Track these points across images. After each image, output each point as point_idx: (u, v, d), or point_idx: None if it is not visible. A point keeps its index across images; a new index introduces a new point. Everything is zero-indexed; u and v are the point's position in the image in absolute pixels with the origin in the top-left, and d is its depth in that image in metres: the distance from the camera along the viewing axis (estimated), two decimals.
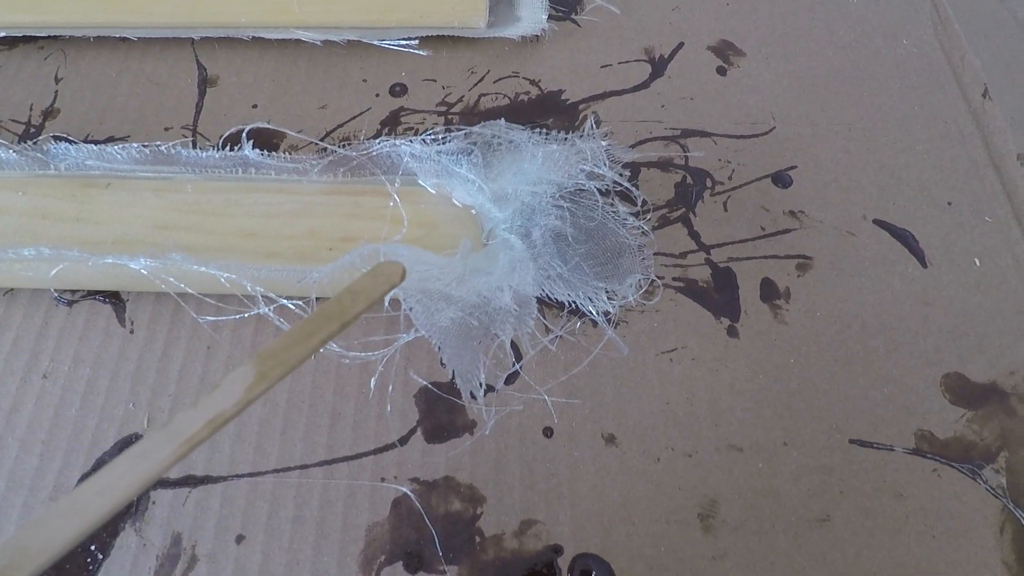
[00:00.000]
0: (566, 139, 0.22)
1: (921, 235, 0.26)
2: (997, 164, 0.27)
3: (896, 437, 0.22)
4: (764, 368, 0.23)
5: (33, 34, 0.32)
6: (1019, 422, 0.22)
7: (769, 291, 0.25)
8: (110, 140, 0.29)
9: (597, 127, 0.28)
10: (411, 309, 0.19)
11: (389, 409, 0.22)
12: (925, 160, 0.27)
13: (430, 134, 0.22)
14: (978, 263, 0.25)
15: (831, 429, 0.22)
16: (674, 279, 0.25)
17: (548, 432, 0.22)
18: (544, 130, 0.23)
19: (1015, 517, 0.20)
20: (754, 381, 0.23)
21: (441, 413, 0.23)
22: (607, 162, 0.22)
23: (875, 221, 0.26)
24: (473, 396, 0.20)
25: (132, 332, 0.25)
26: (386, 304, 0.20)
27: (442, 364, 0.23)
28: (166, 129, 0.30)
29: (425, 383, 0.23)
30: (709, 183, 0.27)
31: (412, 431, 0.23)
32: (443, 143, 0.22)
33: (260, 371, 0.16)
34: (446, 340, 0.19)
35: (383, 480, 0.22)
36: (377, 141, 0.23)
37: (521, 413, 0.22)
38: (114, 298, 0.25)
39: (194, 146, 0.29)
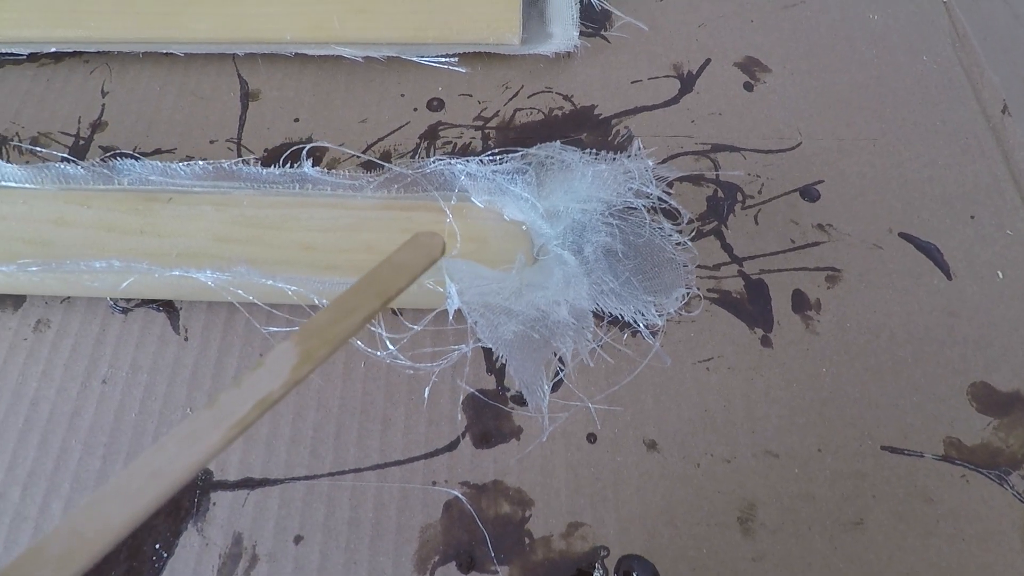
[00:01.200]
0: (614, 159, 0.23)
1: (945, 248, 0.27)
2: (1017, 179, 0.28)
3: (926, 444, 0.23)
4: (797, 377, 0.24)
5: (81, 50, 0.33)
6: None
7: (800, 302, 0.26)
8: (157, 152, 0.30)
9: (630, 142, 0.29)
10: (476, 323, 0.20)
11: (459, 417, 0.23)
12: (948, 175, 0.28)
13: (488, 155, 0.23)
14: (1001, 276, 0.26)
15: (863, 436, 0.23)
16: (709, 291, 0.26)
17: (592, 438, 0.23)
18: (593, 151, 0.24)
19: None
20: (788, 389, 0.24)
21: (488, 419, 0.24)
22: (653, 181, 0.23)
23: (901, 234, 0.27)
24: (539, 406, 0.21)
25: (186, 339, 0.26)
26: (450, 317, 0.21)
27: (489, 372, 0.24)
28: (211, 142, 0.31)
29: (472, 390, 0.24)
30: (740, 197, 0.28)
31: (461, 436, 0.24)
32: (500, 163, 0.23)
33: (304, 350, 0.15)
34: (511, 353, 0.20)
35: (434, 484, 0.23)
36: (431, 159, 0.24)
37: (566, 420, 0.23)
38: (167, 306, 0.26)
39: (239, 156, 0.30)
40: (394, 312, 0.25)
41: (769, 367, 0.24)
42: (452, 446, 0.23)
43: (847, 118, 0.30)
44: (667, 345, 0.25)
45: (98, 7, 0.33)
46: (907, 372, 0.24)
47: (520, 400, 0.23)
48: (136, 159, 0.25)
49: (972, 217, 0.27)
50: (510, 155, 0.23)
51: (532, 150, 0.23)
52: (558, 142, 0.24)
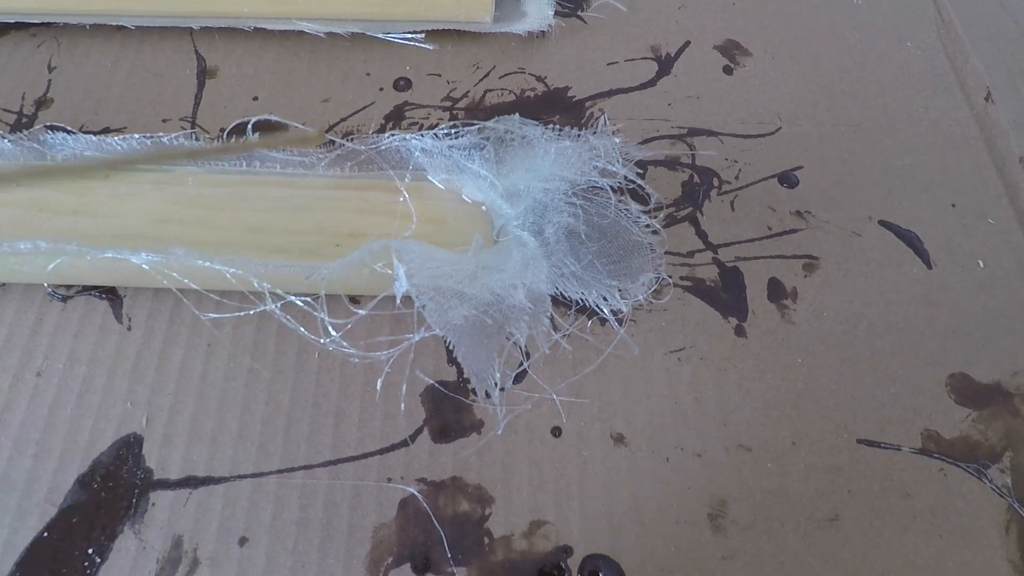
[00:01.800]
0: (579, 135, 0.22)
1: (926, 236, 0.26)
2: (999, 167, 0.27)
3: (903, 437, 0.22)
4: (772, 368, 0.23)
5: (25, 20, 0.31)
6: (1023, 422, 0.22)
7: (776, 291, 0.25)
8: (106, 131, 0.29)
9: (604, 124, 0.28)
10: (424, 307, 0.19)
11: (403, 408, 0.21)
12: (929, 162, 0.28)
13: (443, 129, 0.22)
14: (982, 265, 0.25)
15: (839, 429, 0.22)
16: (682, 278, 0.25)
17: (556, 432, 0.22)
18: (556, 127, 0.22)
19: (1020, 517, 0.20)
20: (762, 381, 0.23)
21: (448, 412, 0.22)
22: (620, 159, 0.22)
23: (880, 222, 0.26)
24: (488, 395, 0.20)
25: (130, 329, 0.24)
26: (398, 301, 0.20)
27: (450, 363, 0.22)
28: (164, 121, 0.29)
29: (431, 382, 0.23)
30: (716, 182, 0.27)
31: (419, 431, 0.22)
32: (455, 138, 0.21)
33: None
34: (460, 339, 0.19)
35: (389, 480, 0.22)
36: (387, 135, 0.23)
37: (529, 412, 0.22)
38: (111, 294, 0.25)
39: (194, 139, 0.28)
40: (352, 300, 0.23)
41: (743, 358, 0.23)
42: (409, 441, 0.22)
43: (828, 103, 0.29)
44: (637, 335, 0.23)
45: None
46: (885, 363, 0.23)
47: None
48: (69, 133, 0.24)
49: (953, 205, 0.26)
50: (467, 128, 0.22)
51: (490, 123, 0.22)
52: (516, 115, 0.22)
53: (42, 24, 0.31)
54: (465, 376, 0.22)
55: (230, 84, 0.30)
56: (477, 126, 0.22)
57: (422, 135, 0.22)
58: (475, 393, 0.22)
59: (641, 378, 0.23)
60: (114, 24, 0.30)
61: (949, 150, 0.28)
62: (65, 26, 0.31)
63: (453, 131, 0.22)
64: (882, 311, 0.24)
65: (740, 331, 0.24)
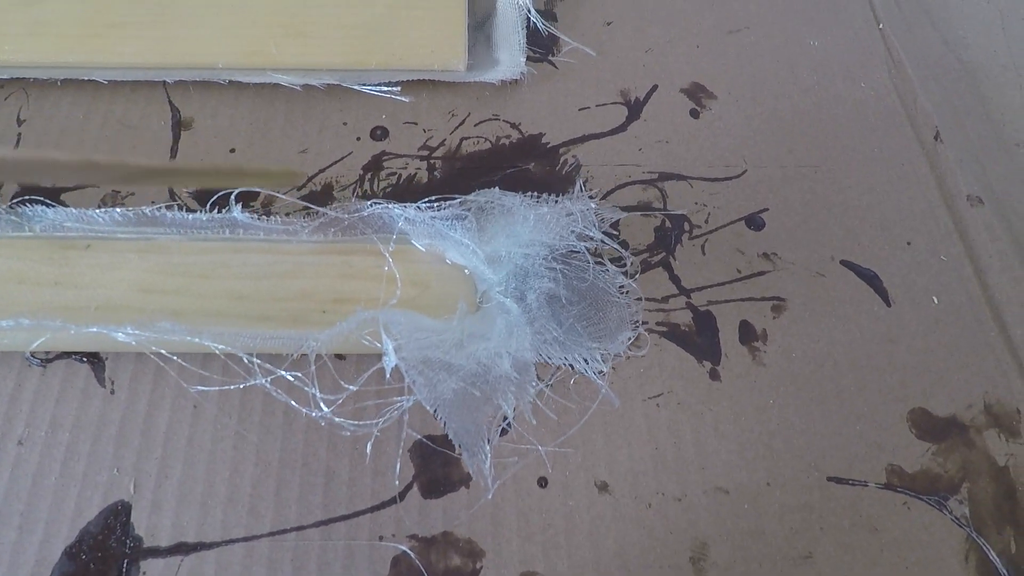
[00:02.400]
0: (556, 201, 0.23)
1: (884, 275, 0.27)
2: (949, 204, 0.29)
3: (869, 472, 0.23)
4: (745, 410, 0.24)
5: None
6: (978, 453, 0.23)
7: (747, 333, 0.26)
8: (79, 187, 0.28)
9: (577, 172, 0.29)
10: (414, 382, 0.19)
11: (395, 467, 0.22)
12: (886, 201, 0.29)
13: (424, 202, 0.23)
14: (936, 301, 0.27)
15: (809, 467, 0.23)
16: (658, 324, 0.26)
17: (543, 482, 0.23)
18: (535, 194, 0.23)
19: (978, 546, 0.22)
20: (737, 423, 0.24)
21: (437, 467, 0.23)
22: (596, 223, 0.23)
23: (842, 262, 0.28)
24: (480, 469, 0.21)
25: (113, 392, 0.24)
26: (387, 376, 0.20)
27: (448, 438, 0.23)
28: None
29: (419, 436, 0.23)
30: (687, 227, 0.28)
31: (408, 487, 0.23)
32: (438, 209, 0.22)
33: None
34: (450, 414, 0.20)
35: (381, 539, 0.22)
36: (369, 203, 0.23)
37: (516, 464, 0.23)
38: (92, 357, 0.25)
39: (170, 192, 0.28)
40: (339, 357, 0.24)
41: (718, 401, 0.24)
42: (399, 497, 0.23)
43: (789, 145, 0.31)
44: (616, 382, 0.24)
45: (9, 28, 0.30)
46: (850, 401, 0.24)
47: None
48: (50, 206, 0.24)
49: (908, 243, 0.28)
50: (448, 202, 0.23)
51: (471, 197, 0.23)
52: (497, 188, 0.23)
53: (9, 78, 0.31)
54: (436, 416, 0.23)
55: (206, 136, 0.30)
56: (459, 199, 0.22)
57: (404, 207, 0.23)
58: (446, 430, 0.23)
59: (622, 425, 0.24)
60: (85, 78, 0.30)
61: (903, 189, 0.30)
62: (35, 80, 0.31)
63: (435, 204, 0.22)
64: (846, 350, 0.25)
65: (714, 375, 0.25)
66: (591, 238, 0.23)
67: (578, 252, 0.23)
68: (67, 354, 0.25)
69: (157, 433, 0.24)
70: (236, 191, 0.23)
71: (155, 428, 0.24)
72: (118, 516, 0.23)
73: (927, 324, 0.26)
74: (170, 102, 0.31)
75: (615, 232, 0.26)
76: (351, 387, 0.21)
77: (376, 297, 0.22)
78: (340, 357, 0.24)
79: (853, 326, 0.26)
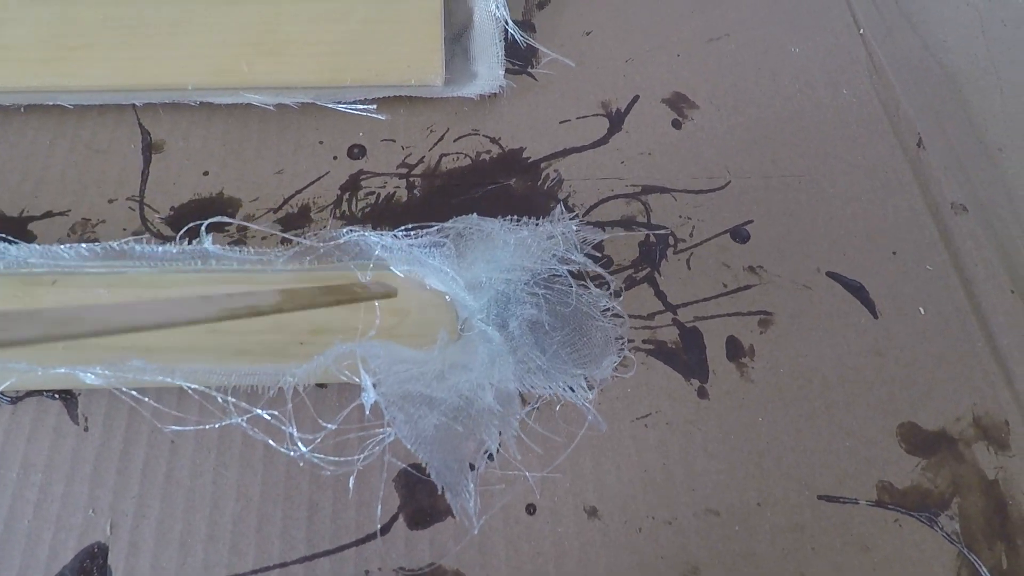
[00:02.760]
0: (537, 225, 0.22)
1: (871, 286, 0.27)
2: (934, 213, 0.29)
3: (859, 490, 0.23)
4: (734, 428, 0.24)
5: None
6: (967, 467, 0.23)
7: (735, 349, 0.25)
8: (48, 215, 0.28)
9: (559, 187, 0.29)
10: (394, 419, 0.19)
11: (391, 496, 0.21)
12: (870, 210, 0.29)
13: (401, 230, 0.22)
14: (923, 312, 0.26)
15: (800, 486, 0.23)
16: (644, 342, 0.25)
17: (531, 509, 0.22)
18: (515, 217, 0.23)
19: (969, 562, 0.22)
20: (726, 442, 0.24)
21: (422, 497, 0.23)
22: (578, 245, 0.23)
23: (828, 273, 0.27)
24: (463, 509, 0.20)
25: (87, 429, 0.23)
26: (367, 412, 0.20)
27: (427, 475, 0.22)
28: (110, 201, 0.28)
29: (403, 466, 0.23)
30: (671, 241, 0.28)
31: (394, 518, 0.22)
32: (415, 237, 0.21)
33: (286, 297, 0.17)
34: (432, 452, 0.19)
35: (368, 573, 0.21)
36: (345, 231, 0.23)
37: (503, 492, 0.22)
38: (65, 393, 0.24)
39: (143, 219, 0.28)
40: (319, 385, 0.23)
41: (706, 420, 0.24)
42: (385, 529, 0.22)
43: (772, 154, 0.30)
44: (603, 403, 0.24)
45: None
46: (839, 416, 0.24)
47: None
48: (12, 243, 0.23)
49: (894, 253, 0.28)
50: (425, 230, 0.22)
51: (448, 224, 0.22)
52: (475, 214, 0.23)
53: None
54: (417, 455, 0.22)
55: (178, 159, 0.29)
56: (436, 227, 0.22)
57: (381, 235, 0.22)
58: (426, 472, 0.22)
59: (610, 448, 0.23)
60: (49, 103, 0.29)
61: (887, 197, 0.29)
62: None
63: (412, 232, 0.22)
64: (834, 364, 0.25)
65: (703, 392, 0.25)
66: (573, 261, 0.22)
67: (560, 276, 0.23)
68: (37, 391, 0.24)
69: (134, 471, 0.23)
70: (206, 223, 0.22)
71: (131, 466, 0.23)
72: (95, 559, 0.22)
73: (914, 336, 0.26)
74: (140, 125, 0.30)
75: (598, 254, 0.26)
76: (329, 425, 0.21)
77: (355, 327, 0.21)
78: (320, 385, 0.24)
79: (840, 339, 0.26)
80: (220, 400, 0.19)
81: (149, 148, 0.30)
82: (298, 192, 0.28)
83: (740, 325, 0.26)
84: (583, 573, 0.22)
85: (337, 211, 0.28)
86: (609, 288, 0.24)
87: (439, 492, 0.21)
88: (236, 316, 0.15)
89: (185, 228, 0.23)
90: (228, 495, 0.23)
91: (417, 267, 0.22)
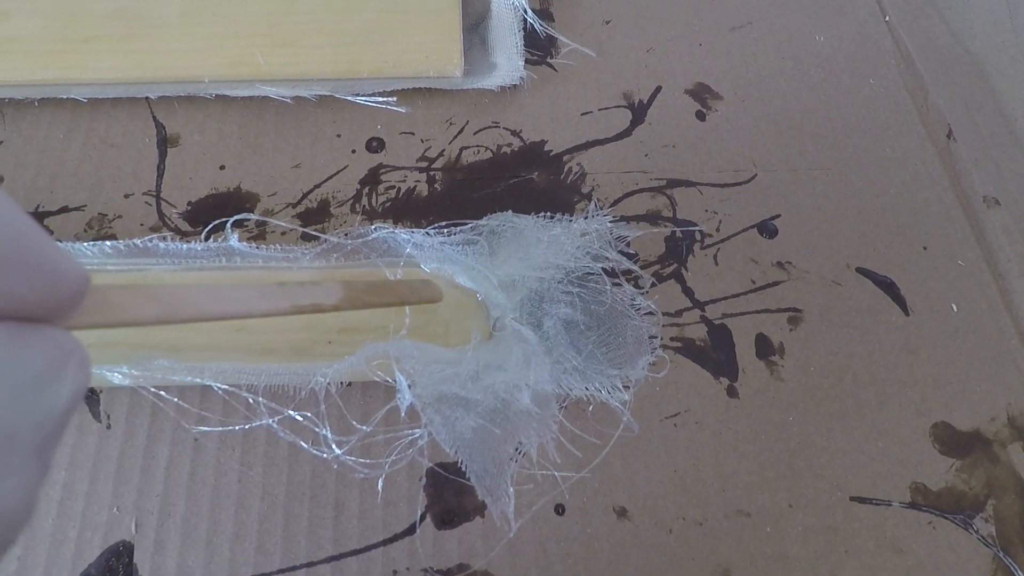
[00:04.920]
0: (571, 221, 0.22)
1: (901, 282, 0.27)
2: (965, 207, 0.28)
3: (893, 491, 0.23)
4: (765, 428, 0.24)
5: None
6: (1003, 468, 0.23)
7: (764, 347, 0.25)
8: (64, 210, 0.27)
9: (583, 180, 0.28)
10: (431, 421, 0.19)
11: (418, 496, 0.21)
12: (899, 204, 0.28)
13: (434, 228, 0.22)
14: (955, 308, 0.26)
15: (832, 488, 0.23)
16: (672, 339, 0.25)
17: (560, 510, 0.22)
18: (548, 214, 0.22)
19: (1005, 566, 0.21)
20: (756, 442, 0.23)
21: (450, 496, 0.22)
22: (611, 242, 0.22)
23: (858, 269, 0.27)
24: (503, 514, 0.20)
25: (109, 427, 0.23)
26: (403, 414, 0.20)
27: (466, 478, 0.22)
28: (126, 196, 0.28)
29: (431, 465, 0.23)
30: (698, 236, 0.27)
31: (421, 517, 0.22)
32: (448, 235, 0.21)
33: (346, 296, 0.17)
34: (471, 455, 0.19)
35: (395, 573, 0.21)
36: (373, 228, 0.22)
37: (532, 492, 0.22)
38: (88, 390, 0.24)
39: (160, 214, 0.27)
40: (353, 385, 0.23)
41: (736, 419, 0.24)
42: (412, 529, 0.22)
43: (799, 147, 0.30)
44: (632, 402, 0.24)
45: None
46: (871, 416, 0.24)
47: None
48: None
49: (925, 248, 0.27)
50: (459, 227, 0.22)
51: (483, 221, 0.22)
52: (510, 211, 0.22)
53: None
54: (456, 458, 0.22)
55: (194, 152, 0.29)
56: (470, 224, 0.21)
57: (412, 231, 0.22)
58: (466, 476, 0.22)
59: (640, 447, 0.23)
60: (63, 96, 0.29)
61: (917, 191, 0.29)
62: (10, 100, 0.29)
63: (444, 229, 0.21)
64: (865, 362, 0.25)
65: (732, 391, 0.24)
66: (606, 258, 0.22)
67: (594, 274, 0.22)
68: None
69: (157, 469, 0.23)
70: (232, 219, 0.21)
71: (155, 464, 0.23)
72: (120, 557, 0.22)
73: (947, 333, 0.25)
74: (154, 118, 0.30)
75: (632, 252, 0.26)
76: (364, 427, 0.20)
77: (384, 325, 0.21)
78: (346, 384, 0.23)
79: (872, 337, 0.25)
80: (251, 400, 0.19)
81: (164, 142, 0.29)
82: (317, 186, 0.28)
83: (769, 322, 0.26)
84: (613, 574, 0.21)
85: (357, 206, 0.27)
86: (645, 287, 0.24)
87: (469, 485, 0.21)
88: (302, 312, 0.15)
89: (212, 224, 0.23)
90: (253, 494, 0.22)
91: (448, 265, 0.21)
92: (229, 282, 0.22)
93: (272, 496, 0.22)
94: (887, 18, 0.34)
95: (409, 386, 0.18)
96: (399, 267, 0.22)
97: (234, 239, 0.21)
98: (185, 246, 0.21)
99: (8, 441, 0.09)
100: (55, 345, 0.10)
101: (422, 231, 0.22)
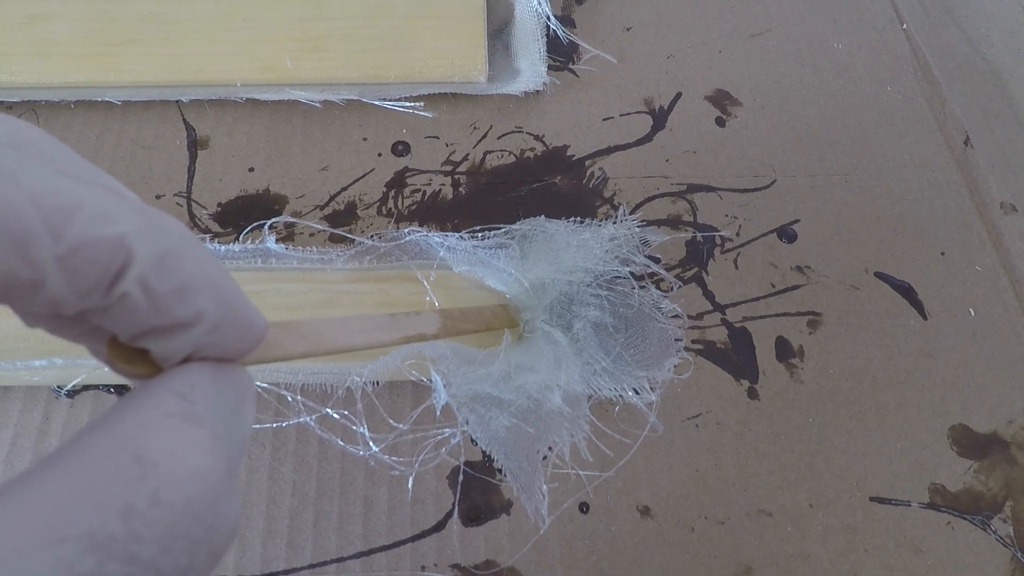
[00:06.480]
0: (600, 225, 0.22)
1: (919, 286, 0.27)
2: (982, 212, 0.29)
3: (912, 492, 0.23)
4: (785, 429, 0.24)
5: (2, 99, 0.30)
6: (1020, 470, 0.23)
7: (784, 350, 0.25)
8: None
9: (605, 184, 0.29)
10: (466, 420, 0.19)
11: (446, 493, 0.21)
12: (917, 210, 0.29)
13: (467, 232, 0.22)
14: (972, 313, 0.26)
15: (852, 488, 0.23)
16: (693, 342, 0.25)
17: (584, 508, 0.23)
18: (578, 219, 0.23)
19: (1023, 565, 0.22)
20: (777, 443, 0.24)
21: (476, 494, 0.23)
22: (639, 247, 0.23)
23: (876, 274, 0.27)
24: (539, 510, 0.20)
25: None
26: (438, 413, 0.20)
27: (474, 442, 0.23)
28: (158, 197, 0.28)
29: (457, 463, 0.23)
30: (719, 240, 0.28)
31: (448, 515, 0.23)
32: (481, 239, 0.21)
33: (443, 325, 0.17)
34: (506, 453, 0.19)
35: (423, 569, 0.22)
36: (407, 231, 0.23)
37: (557, 490, 0.23)
38: (121, 387, 0.24)
39: (191, 215, 0.28)
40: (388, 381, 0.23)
41: (757, 420, 0.24)
42: (440, 526, 0.22)
43: (818, 153, 0.30)
44: (655, 403, 0.24)
45: (15, 49, 0.30)
46: (890, 418, 0.24)
47: None
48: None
49: (943, 253, 0.28)
50: (492, 231, 0.22)
51: (516, 225, 0.22)
52: (543, 216, 0.23)
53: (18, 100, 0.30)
54: (491, 456, 0.23)
55: (223, 155, 0.29)
56: (504, 229, 0.22)
57: (445, 236, 0.22)
58: (502, 473, 0.22)
59: (662, 447, 0.23)
60: (97, 99, 0.29)
61: (935, 197, 0.29)
62: (45, 101, 0.30)
63: (479, 234, 0.22)
64: (884, 365, 0.25)
65: (753, 393, 0.25)
66: (634, 262, 0.22)
67: (622, 277, 0.23)
68: (95, 385, 0.24)
69: None
70: (269, 222, 0.22)
71: None
72: None
73: (964, 337, 0.26)
74: (185, 121, 0.30)
75: (655, 256, 0.26)
76: (401, 426, 0.21)
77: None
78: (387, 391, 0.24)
79: (890, 340, 0.26)
80: (289, 398, 0.20)
81: (194, 144, 0.30)
82: (344, 189, 0.29)
83: (789, 325, 0.26)
84: (637, 572, 0.22)
85: (383, 208, 0.28)
86: (671, 290, 0.24)
87: (495, 483, 0.21)
88: (409, 341, 0.16)
89: (250, 227, 0.23)
90: (284, 490, 0.23)
91: (478, 267, 0.22)
92: (263, 282, 0.22)
93: (302, 492, 0.23)
94: (904, 26, 0.35)
95: (445, 386, 0.19)
96: (432, 270, 0.22)
97: (271, 241, 0.21)
98: (223, 247, 0.22)
99: (233, 465, 0.10)
100: (242, 381, 0.11)
101: (456, 235, 0.22)
